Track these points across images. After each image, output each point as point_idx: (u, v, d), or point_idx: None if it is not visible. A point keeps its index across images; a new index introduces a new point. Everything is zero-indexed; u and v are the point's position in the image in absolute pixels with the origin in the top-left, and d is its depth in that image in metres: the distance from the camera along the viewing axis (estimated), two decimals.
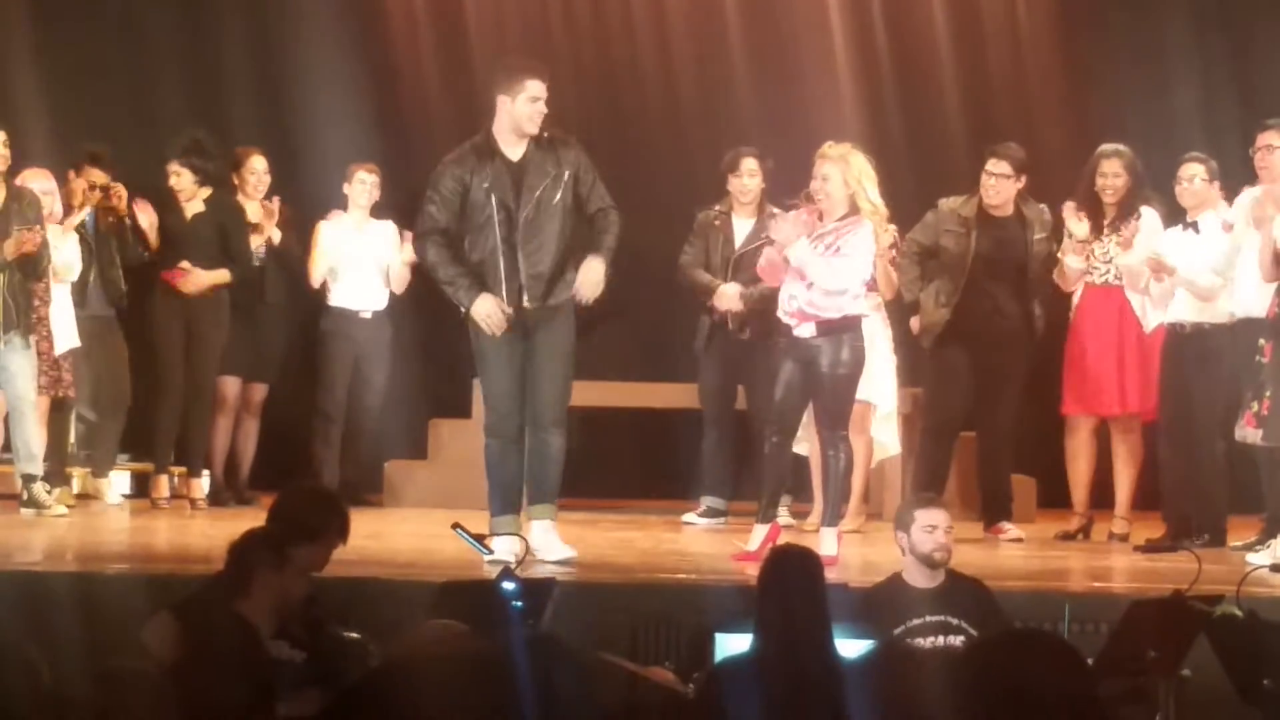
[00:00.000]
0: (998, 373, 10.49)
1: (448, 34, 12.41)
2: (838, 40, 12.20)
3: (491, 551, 8.53)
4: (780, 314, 9.23)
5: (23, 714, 4.65)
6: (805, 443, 10.37)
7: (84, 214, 10.95)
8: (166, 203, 11.24)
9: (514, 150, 8.94)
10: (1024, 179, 10.41)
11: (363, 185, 11.59)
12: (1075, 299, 10.54)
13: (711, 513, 11.01)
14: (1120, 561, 9.84)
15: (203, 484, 11.35)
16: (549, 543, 8.90)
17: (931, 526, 7.35)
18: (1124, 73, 12.25)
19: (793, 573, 6.21)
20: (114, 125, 11.54)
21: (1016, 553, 10.14)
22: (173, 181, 11.21)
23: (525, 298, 8.86)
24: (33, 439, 10.41)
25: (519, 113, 8.88)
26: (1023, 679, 3.76)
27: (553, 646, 4.78)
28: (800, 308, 9.10)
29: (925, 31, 12.30)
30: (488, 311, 8.79)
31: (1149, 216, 10.29)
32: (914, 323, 10.63)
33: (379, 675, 5.21)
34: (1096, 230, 10.34)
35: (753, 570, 7.35)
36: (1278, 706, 6.08)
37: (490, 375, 9.04)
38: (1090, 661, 6.48)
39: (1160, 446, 10.33)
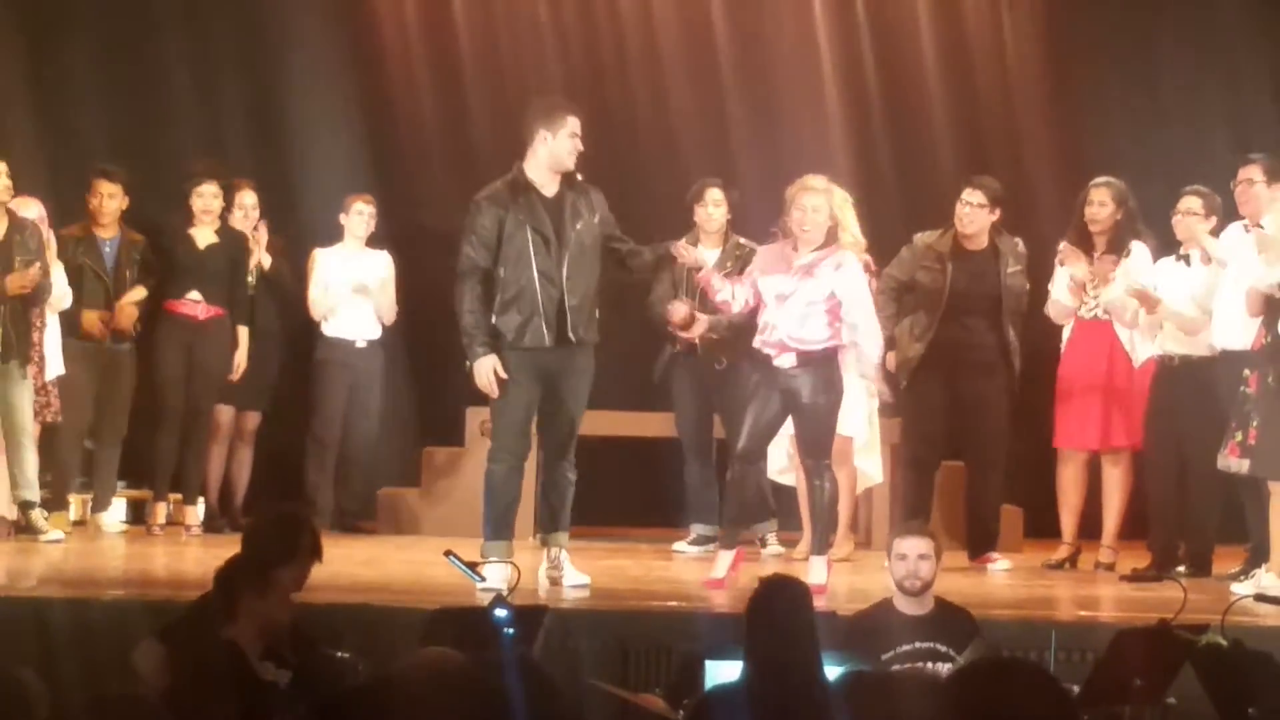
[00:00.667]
0: (979, 404, 10.52)
1: (442, 69, 12.44)
2: (826, 74, 12.23)
3: (484, 579, 8.54)
4: (758, 343, 9.25)
5: None
6: (792, 473, 10.40)
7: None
8: (175, 233, 11.24)
9: (548, 187, 9.01)
10: (999, 211, 10.45)
11: (360, 216, 11.65)
12: (1065, 333, 10.57)
13: (702, 540, 11.01)
14: (1107, 591, 9.85)
15: (197, 511, 11.36)
16: (569, 569, 9.07)
17: (901, 556, 7.38)
18: (1115, 105, 12.28)
19: (781, 601, 6.21)
20: (113, 157, 11.51)
21: (1004, 581, 10.17)
22: (199, 203, 11.19)
23: (570, 329, 8.94)
24: (30, 466, 10.42)
25: (559, 148, 8.96)
26: (1004, 708, 3.75)
27: (535, 675, 4.78)
28: (781, 339, 9.11)
29: (914, 64, 12.32)
30: (487, 374, 8.88)
31: (1138, 250, 10.33)
32: (889, 358, 10.64)
33: (366, 692, 5.22)
34: (1087, 263, 10.39)
35: (740, 597, 7.39)
36: None
37: (508, 404, 9.04)
38: (1077, 689, 6.51)
39: (1147, 477, 10.36)
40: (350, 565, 9.54)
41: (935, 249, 10.47)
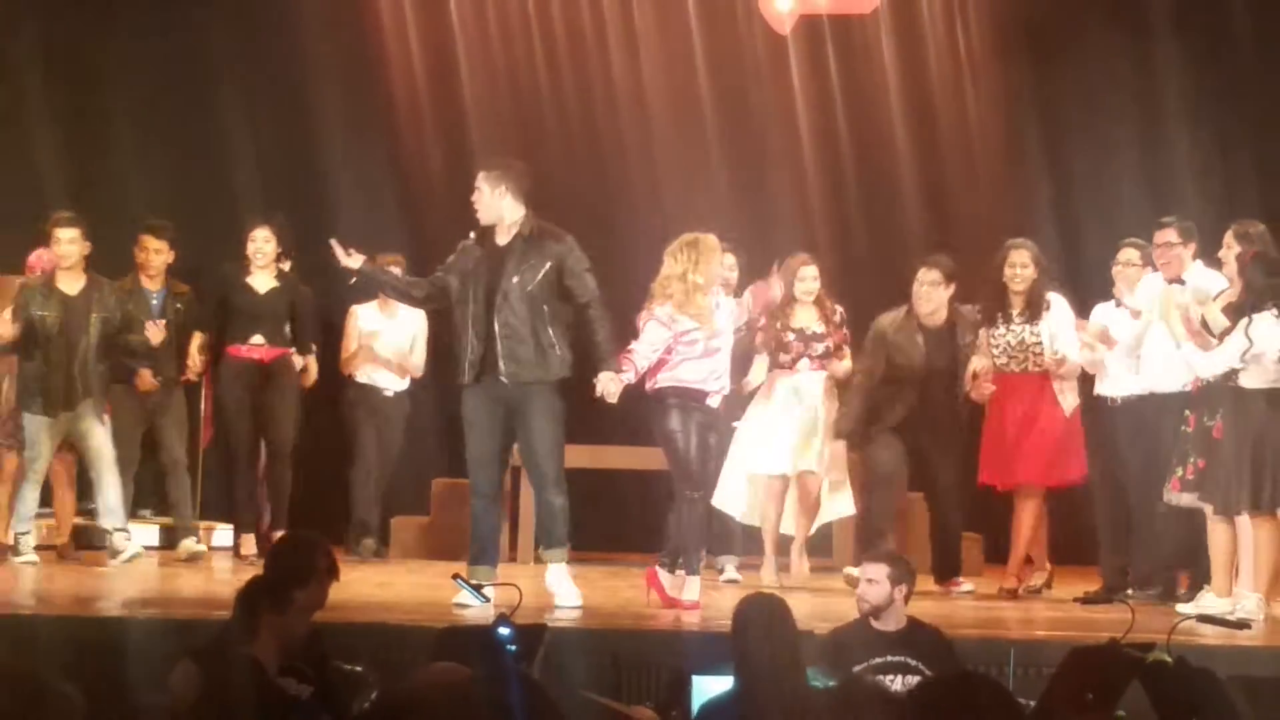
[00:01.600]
0: (933, 452, 10.52)
1: (461, 142, 12.34)
2: (805, 138, 12.25)
3: (488, 600, 8.52)
4: (681, 385, 9.28)
5: None
6: (737, 505, 10.52)
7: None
8: (233, 281, 11.13)
9: (501, 237, 9.07)
10: (953, 286, 10.45)
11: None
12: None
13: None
14: (1061, 613, 9.85)
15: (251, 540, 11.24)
16: (563, 587, 9.03)
17: (855, 581, 7.58)
18: (1065, 165, 12.29)
19: (765, 615, 6.24)
20: (160, 210, 11.48)
21: (968, 603, 10.19)
22: (252, 246, 11.07)
23: (501, 373, 8.96)
24: (110, 493, 10.49)
25: None
26: (963, 718, 3.73)
27: (535, 689, 4.78)
28: (720, 388, 9.35)
29: (884, 130, 12.34)
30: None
31: (1057, 302, 10.42)
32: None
33: (381, 704, 5.23)
34: (1005, 320, 10.41)
35: (718, 617, 7.41)
36: None
37: (473, 441, 9.14)
38: (1032, 703, 6.50)
39: (1097, 508, 10.37)
40: (366, 587, 9.55)
41: (904, 327, 10.45)
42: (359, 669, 6.67)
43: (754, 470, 10.52)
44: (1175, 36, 12.14)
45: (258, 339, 11.08)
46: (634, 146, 12.30)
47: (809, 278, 10.54)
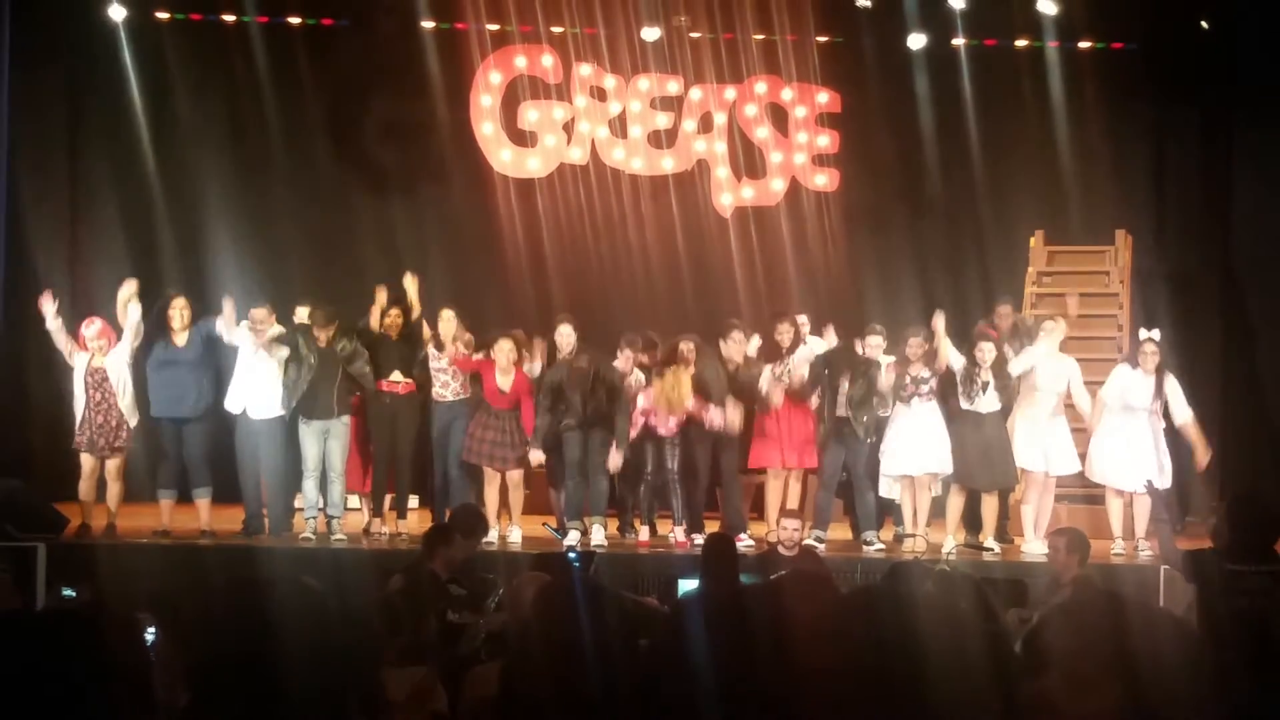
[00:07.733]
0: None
1: (538, 271, 11.72)
2: (738, 278, 11.67)
3: (564, 536, 8.62)
4: (659, 426, 8.93)
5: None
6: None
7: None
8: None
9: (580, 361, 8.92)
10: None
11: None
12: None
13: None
14: (892, 545, 9.31)
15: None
16: (601, 536, 8.88)
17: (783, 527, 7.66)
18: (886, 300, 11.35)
19: (720, 545, 6.34)
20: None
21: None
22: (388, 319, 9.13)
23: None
24: (334, 492, 8.86)
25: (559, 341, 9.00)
26: (813, 606, 3.46)
27: (597, 585, 4.86)
28: (671, 425, 8.90)
29: (780, 273, 11.66)
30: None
31: (815, 342, 9.26)
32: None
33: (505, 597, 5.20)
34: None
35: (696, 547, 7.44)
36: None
37: (569, 450, 8.98)
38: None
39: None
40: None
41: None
42: (491, 576, 6.72)
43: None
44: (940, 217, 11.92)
45: (395, 376, 9.15)
46: (640, 279, 12.10)
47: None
